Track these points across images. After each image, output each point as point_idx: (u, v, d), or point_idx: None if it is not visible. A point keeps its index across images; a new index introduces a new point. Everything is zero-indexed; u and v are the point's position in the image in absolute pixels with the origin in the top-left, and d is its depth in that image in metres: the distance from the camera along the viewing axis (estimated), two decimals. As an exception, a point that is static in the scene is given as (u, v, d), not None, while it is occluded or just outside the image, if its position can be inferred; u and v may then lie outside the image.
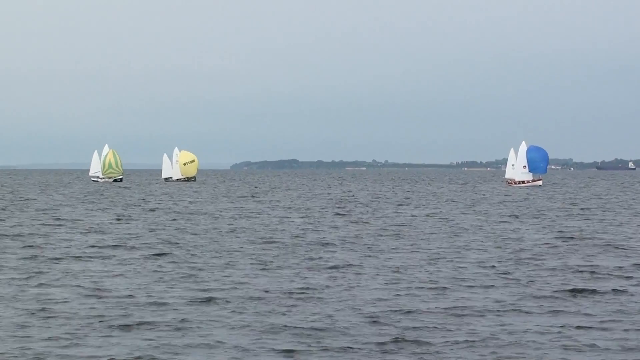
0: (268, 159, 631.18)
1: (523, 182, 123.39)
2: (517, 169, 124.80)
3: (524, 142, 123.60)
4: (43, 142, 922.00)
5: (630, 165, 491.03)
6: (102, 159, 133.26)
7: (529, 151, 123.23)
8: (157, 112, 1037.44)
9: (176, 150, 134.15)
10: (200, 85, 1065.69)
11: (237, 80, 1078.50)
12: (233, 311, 20.23)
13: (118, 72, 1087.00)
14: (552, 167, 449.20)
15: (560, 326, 18.76)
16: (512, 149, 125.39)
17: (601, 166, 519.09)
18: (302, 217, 54.23)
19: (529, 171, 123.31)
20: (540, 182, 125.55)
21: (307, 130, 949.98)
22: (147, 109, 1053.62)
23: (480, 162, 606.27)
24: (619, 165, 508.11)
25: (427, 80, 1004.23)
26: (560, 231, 43.65)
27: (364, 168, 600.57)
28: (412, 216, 56.08)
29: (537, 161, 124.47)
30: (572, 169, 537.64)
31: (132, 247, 34.83)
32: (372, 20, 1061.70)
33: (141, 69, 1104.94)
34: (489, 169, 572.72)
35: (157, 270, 27.48)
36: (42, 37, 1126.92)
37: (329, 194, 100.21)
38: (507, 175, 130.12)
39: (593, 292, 23.24)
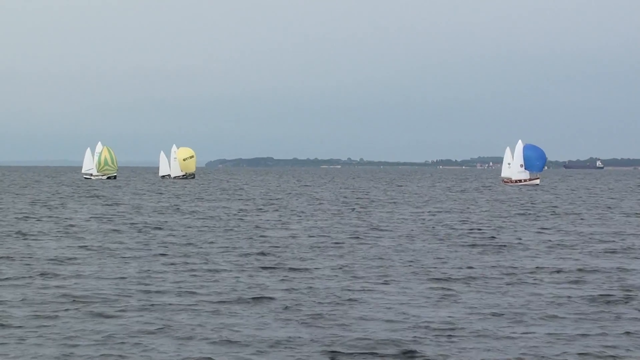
0: (243, 157, 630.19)
1: (520, 181, 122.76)
2: (513, 167, 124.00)
3: (520, 141, 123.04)
4: (34, 139, 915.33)
5: (599, 164, 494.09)
6: (96, 156, 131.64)
7: (525, 149, 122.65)
8: (133, 111, 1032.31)
9: (174, 147, 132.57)
10: (175, 84, 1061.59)
11: (212, 79, 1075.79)
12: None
13: (99, 71, 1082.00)
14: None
15: None
16: (507, 147, 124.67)
17: (569, 165, 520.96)
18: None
19: (525, 169, 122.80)
20: (537, 181, 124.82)
21: (282, 128, 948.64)
22: (123, 108, 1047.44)
23: (455, 160, 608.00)
24: (587, 164, 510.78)
25: (402, 80, 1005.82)
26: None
27: (339, 166, 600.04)
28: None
29: (534, 159, 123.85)
30: (547, 167, 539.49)
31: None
32: (348, 19, 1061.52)
33: (120, 69, 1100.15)
34: (464, 167, 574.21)
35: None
36: (33, 34, 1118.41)
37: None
38: (503, 174, 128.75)
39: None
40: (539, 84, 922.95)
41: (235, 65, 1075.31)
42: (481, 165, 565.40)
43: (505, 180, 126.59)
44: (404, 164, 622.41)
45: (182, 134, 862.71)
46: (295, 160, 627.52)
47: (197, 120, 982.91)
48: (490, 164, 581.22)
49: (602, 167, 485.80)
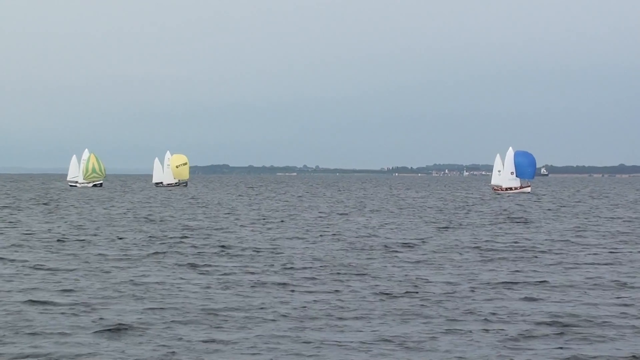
0: (199, 164, 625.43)
1: (511, 189, 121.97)
2: (503, 175, 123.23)
3: (510, 148, 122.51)
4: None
5: (543, 171, 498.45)
6: (83, 163, 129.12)
7: (516, 156, 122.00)
8: (99, 118, 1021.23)
9: (168, 154, 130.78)
10: (128, 91, 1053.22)
11: (166, 86, 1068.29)
12: None
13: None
14: (487, 173, 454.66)
15: None
16: (497, 154, 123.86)
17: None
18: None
19: (517, 177, 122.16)
20: (528, 189, 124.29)
21: (237, 135, 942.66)
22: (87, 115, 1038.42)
23: (411, 167, 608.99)
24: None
25: (355, 85, 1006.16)
26: None
27: (295, 173, 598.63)
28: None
29: (525, 166, 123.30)
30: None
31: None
32: (304, 23, 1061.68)
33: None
34: (419, 174, 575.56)
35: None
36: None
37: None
38: (493, 182, 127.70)
39: None
40: (493, 91, 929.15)
41: (189, 74, 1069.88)
42: (437, 173, 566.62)
43: (495, 188, 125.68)
44: (360, 171, 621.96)
45: (135, 141, 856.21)
46: (251, 167, 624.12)
47: (152, 127, 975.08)
48: (446, 171, 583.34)
49: (546, 175, 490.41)
